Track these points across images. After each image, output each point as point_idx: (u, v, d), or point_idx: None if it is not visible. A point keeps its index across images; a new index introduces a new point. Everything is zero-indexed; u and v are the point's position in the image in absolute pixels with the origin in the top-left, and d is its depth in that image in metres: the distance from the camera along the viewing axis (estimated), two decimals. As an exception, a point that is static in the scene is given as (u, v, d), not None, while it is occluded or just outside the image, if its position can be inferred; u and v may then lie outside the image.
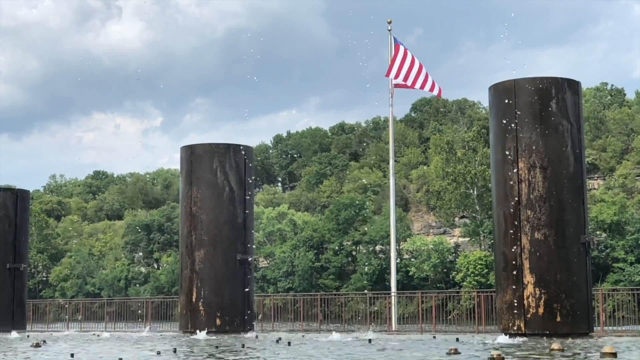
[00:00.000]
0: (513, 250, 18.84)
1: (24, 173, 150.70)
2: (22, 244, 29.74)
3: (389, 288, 34.19)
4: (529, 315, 18.47)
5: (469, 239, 65.86)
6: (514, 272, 18.77)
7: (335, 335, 20.70)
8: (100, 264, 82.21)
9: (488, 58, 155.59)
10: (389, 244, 38.80)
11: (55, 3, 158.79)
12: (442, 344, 17.05)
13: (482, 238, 63.82)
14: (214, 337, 20.97)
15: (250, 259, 23.70)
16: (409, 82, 29.71)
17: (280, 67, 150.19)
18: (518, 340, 17.84)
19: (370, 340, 19.03)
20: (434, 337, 21.21)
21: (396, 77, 29.54)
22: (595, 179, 70.90)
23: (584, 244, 18.93)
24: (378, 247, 65.88)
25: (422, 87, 30.07)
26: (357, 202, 69.51)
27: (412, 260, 64.40)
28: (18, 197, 29.48)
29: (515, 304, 18.67)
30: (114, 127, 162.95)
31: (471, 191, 64.45)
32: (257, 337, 21.56)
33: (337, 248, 67.81)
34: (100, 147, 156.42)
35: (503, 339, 18.36)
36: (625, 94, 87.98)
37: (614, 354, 11.78)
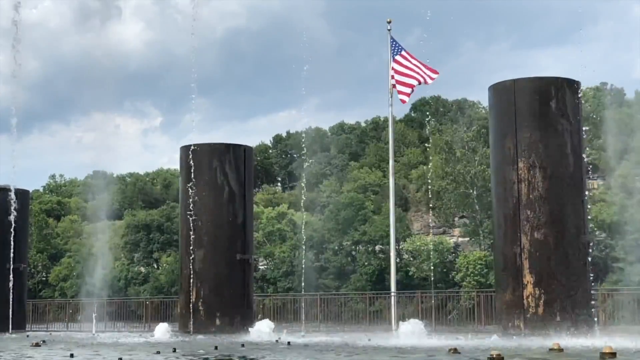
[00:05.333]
0: (513, 250, 18.82)
1: (24, 173, 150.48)
2: (22, 244, 29.74)
3: (388, 288, 34.16)
4: (528, 315, 18.46)
5: (468, 238, 65.86)
6: (514, 272, 18.76)
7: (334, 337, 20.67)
8: (100, 264, 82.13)
9: (488, 58, 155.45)
10: (388, 243, 38.77)
11: (55, 3, 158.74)
12: (442, 344, 17.04)
13: (481, 238, 63.79)
14: (213, 337, 20.94)
15: (249, 259, 23.68)
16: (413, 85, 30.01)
17: (280, 67, 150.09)
18: (518, 340, 17.82)
19: (369, 340, 19.04)
20: (434, 336, 21.18)
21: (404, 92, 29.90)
22: (595, 179, 70.88)
23: (584, 244, 18.91)
24: (378, 247, 65.86)
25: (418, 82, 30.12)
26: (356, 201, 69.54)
27: (412, 260, 64.38)
28: (18, 197, 29.47)
29: (515, 304, 18.65)
30: (113, 127, 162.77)
31: (471, 191, 64.44)
32: (257, 336, 21.53)
33: (336, 248, 67.80)
34: (100, 147, 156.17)
35: (503, 338, 18.35)
36: (625, 94, 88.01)
37: (614, 354, 11.78)
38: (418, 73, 29.50)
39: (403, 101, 30.67)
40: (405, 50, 30.36)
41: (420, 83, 29.90)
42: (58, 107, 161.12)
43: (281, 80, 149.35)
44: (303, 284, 45.72)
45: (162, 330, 22.64)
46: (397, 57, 30.25)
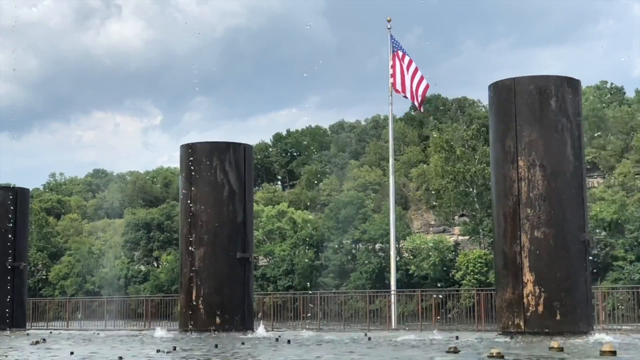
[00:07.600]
0: (513, 248, 18.84)
1: (24, 171, 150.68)
2: (22, 243, 29.75)
3: (388, 286, 34.21)
4: (528, 314, 18.47)
5: (468, 237, 65.89)
6: (514, 271, 18.77)
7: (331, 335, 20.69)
8: (99, 262, 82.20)
9: (488, 56, 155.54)
10: (388, 242, 38.79)
11: (55, 2, 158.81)
12: (442, 342, 17.05)
13: (481, 236, 63.84)
14: (213, 336, 20.97)
15: (250, 257, 23.68)
16: (407, 94, 31.52)
17: (280, 65, 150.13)
18: (517, 338, 17.84)
19: (369, 338, 19.06)
20: (434, 335, 21.19)
21: (402, 90, 31.39)
22: (595, 178, 70.89)
23: (584, 243, 18.93)
24: (378, 246, 65.87)
25: (411, 97, 31.69)
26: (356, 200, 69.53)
27: (412, 258, 64.38)
28: (18, 196, 29.47)
29: (515, 302, 18.67)
30: (113, 126, 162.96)
31: (471, 189, 64.45)
32: (256, 335, 21.56)
33: (336, 246, 67.81)
34: (100, 145, 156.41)
35: (502, 337, 18.36)
36: (625, 93, 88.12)
37: (614, 353, 11.78)
38: (411, 88, 30.94)
39: (419, 108, 34.26)
40: (398, 54, 31.14)
41: (412, 97, 31.57)
42: (58, 106, 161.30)
43: (281, 79, 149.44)
44: (309, 283, 45.82)
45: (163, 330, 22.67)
46: (397, 55, 30.86)
